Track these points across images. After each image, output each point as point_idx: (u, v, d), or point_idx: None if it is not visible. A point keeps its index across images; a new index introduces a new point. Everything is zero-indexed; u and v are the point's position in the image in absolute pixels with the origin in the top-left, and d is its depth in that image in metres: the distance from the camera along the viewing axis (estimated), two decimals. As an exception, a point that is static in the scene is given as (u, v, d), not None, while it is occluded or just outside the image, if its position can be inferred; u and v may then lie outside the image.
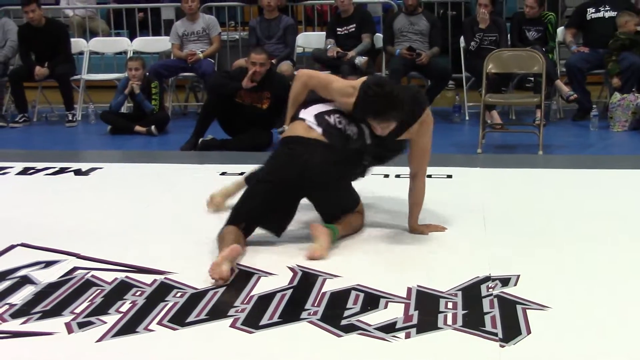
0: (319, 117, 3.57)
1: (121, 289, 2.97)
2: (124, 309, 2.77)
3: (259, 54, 6.20)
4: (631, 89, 6.96)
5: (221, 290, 2.94)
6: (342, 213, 3.63)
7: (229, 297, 2.87)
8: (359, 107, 3.46)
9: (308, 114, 3.61)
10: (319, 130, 3.52)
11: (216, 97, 6.27)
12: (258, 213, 3.50)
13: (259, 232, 3.66)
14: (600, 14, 7.59)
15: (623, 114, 6.81)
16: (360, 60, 7.52)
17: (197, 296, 2.88)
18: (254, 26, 7.97)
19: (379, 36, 7.96)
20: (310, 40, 8.36)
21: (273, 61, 7.09)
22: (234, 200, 3.84)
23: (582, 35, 7.79)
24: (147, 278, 3.08)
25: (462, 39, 7.75)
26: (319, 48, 7.99)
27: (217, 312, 2.73)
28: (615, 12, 7.44)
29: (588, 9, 7.68)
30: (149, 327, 2.62)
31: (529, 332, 2.53)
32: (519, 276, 3.02)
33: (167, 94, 8.08)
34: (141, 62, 7.24)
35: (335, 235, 3.46)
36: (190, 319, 2.68)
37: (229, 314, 2.72)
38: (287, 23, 7.92)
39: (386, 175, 4.77)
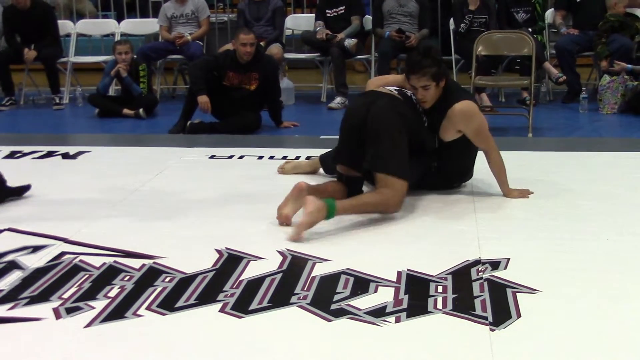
0: (397, 88, 3.85)
1: (110, 274, 2.95)
2: (112, 294, 2.76)
3: (247, 34, 6.18)
4: (621, 70, 6.94)
5: (210, 274, 2.93)
6: (376, 170, 3.59)
7: (219, 281, 2.86)
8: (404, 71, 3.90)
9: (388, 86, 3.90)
10: (395, 90, 3.80)
11: (200, 73, 6.23)
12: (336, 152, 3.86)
13: (248, 215, 3.66)
14: (589, -5, 7.57)
15: (612, 96, 6.81)
16: (350, 42, 7.49)
17: (186, 281, 2.87)
18: (242, 8, 7.92)
19: (368, 18, 7.93)
20: (299, 22, 8.31)
21: (262, 43, 7.05)
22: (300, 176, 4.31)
23: (571, 17, 7.78)
24: (136, 263, 3.06)
25: (451, 21, 7.72)
26: (308, 30, 7.95)
27: (207, 297, 2.72)
28: (605, -7, 7.42)
29: (578, -10, 7.65)
30: (138, 312, 2.60)
31: (519, 315, 2.53)
32: (509, 260, 3.02)
33: (155, 77, 8.04)
34: (129, 46, 7.19)
35: (330, 212, 3.39)
36: (179, 303, 2.67)
37: (218, 298, 2.70)
38: (276, 5, 7.87)
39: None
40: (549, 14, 7.79)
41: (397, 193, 3.58)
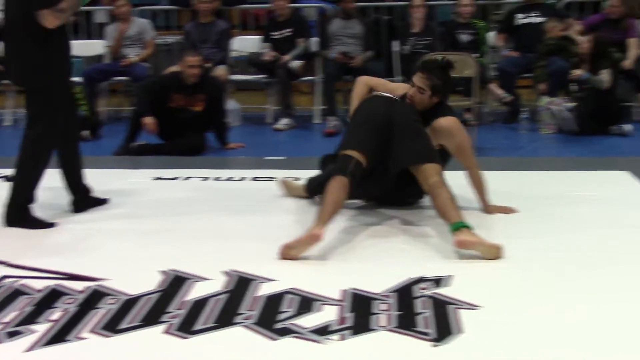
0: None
1: (52, 297, 2.92)
2: (54, 317, 2.73)
3: (193, 56, 6.20)
4: (558, 92, 7.13)
5: (155, 296, 2.92)
6: (422, 163, 3.62)
7: (163, 302, 2.85)
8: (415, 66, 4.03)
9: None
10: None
11: (145, 94, 6.21)
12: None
13: (193, 235, 3.65)
14: (529, 20, 7.77)
15: (551, 117, 6.97)
16: (296, 64, 7.54)
17: (130, 302, 2.85)
18: (188, 30, 7.91)
19: (314, 40, 8.00)
20: (245, 44, 8.33)
21: (208, 65, 7.06)
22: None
23: (512, 40, 7.96)
24: (79, 285, 3.03)
25: (396, 43, 7.84)
26: (255, 52, 7.98)
27: (151, 318, 2.71)
28: (544, 18, 7.63)
29: (517, 15, 7.85)
30: (81, 335, 2.58)
31: (460, 331, 2.57)
32: (451, 277, 3.07)
33: (100, 99, 7.97)
34: None
35: (471, 227, 3.38)
36: (123, 325, 2.65)
37: (162, 319, 2.69)
38: (222, 27, 7.89)
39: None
40: (491, 36, 7.96)
41: (443, 176, 3.65)
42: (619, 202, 4.28)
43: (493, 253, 3.30)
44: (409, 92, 3.93)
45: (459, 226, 3.36)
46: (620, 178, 4.84)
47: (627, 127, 6.83)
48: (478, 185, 4.08)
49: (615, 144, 6.58)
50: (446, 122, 3.92)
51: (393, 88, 4.18)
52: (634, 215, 4.02)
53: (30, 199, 3.95)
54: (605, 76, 6.72)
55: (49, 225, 3.92)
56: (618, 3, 7.50)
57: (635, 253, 3.41)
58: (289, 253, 3.32)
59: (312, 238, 3.33)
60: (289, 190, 4.46)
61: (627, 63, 7.27)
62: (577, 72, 6.90)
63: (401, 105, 3.85)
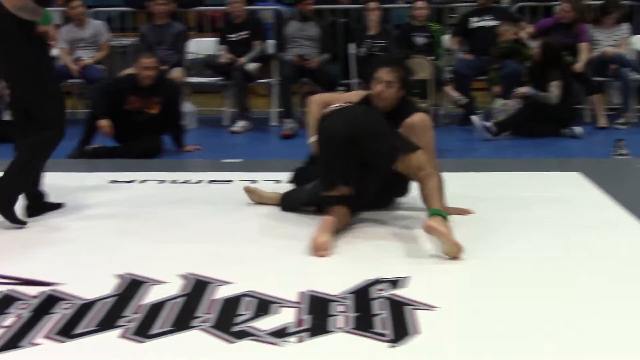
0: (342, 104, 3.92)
1: (5, 303, 2.86)
2: (7, 323, 2.68)
3: (148, 58, 6.16)
4: (511, 94, 7.24)
5: (111, 300, 2.89)
6: (402, 155, 3.61)
7: (119, 307, 2.82)
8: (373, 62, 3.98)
9: (332, 106, 3.91)
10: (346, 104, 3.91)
11: (100, 96, 6.15)
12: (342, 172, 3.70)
13: (149, 239, 3.63)
14: (483, 23, 7.87)
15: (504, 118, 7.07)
16: (252, 66, 7.54)
17: (85, 307, 2.82)
18: (144, 32, 7.86)
19: (270, 43, 7.99)
20: (201, 46, 8.30)
21: (164, 67, 7.02)
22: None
23: (466, 43, 8.05)
24: (33, 290, 2.98)
25: (352, 45, 7.87)
26: (211, 54, 7.95)
27: (107, 323, 2.68)
28: (497, 22, 7.73)
29: (471, 18, 7.95)
30: (34, 341, 2.53)
31: (418, 332, 2.59)
32: (408, 278, 3.09)
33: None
34: None
35: (445, 218, 3.42)
36: (78, 330, 2.62)
37: (118, 324, 2.67)
38: (178, 29, 7.86)
39: (278, 181, 4.79)
40: (446, 39, 8.04)
41: (430, 161, 3.67)
42: (571, 202, 4.35)
43: (453, 251, 3.32)
44: (375, 90, 3.91)
45: (434, 213, 3.41)
46: (572, 179, 4.92)
47: (578, 129, 6.96)
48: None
49: (568, 146, 6.70)
50: (420, 118, 3.93)
51: (347, 98, 4.14)
52: (586, 215, 4.09)
53: (17, 197, 3.98)
54: (554, 90, 6.84)
55: (22, 222, 3.94)
56: (569, 8, 7.64)
57: (588, 251, 3.47)
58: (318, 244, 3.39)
59: (326, 221, 3.49)
60: (259, 198, 4.33)
61: (578, 66, 7.41)
62: (522, 90, 7.01)
63: (360, 110, 3.84)
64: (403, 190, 4.13)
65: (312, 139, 3.98)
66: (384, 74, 3.90)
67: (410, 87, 4.05)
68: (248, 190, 4.36)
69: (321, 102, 4.07)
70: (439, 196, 3.52)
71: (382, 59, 4.03)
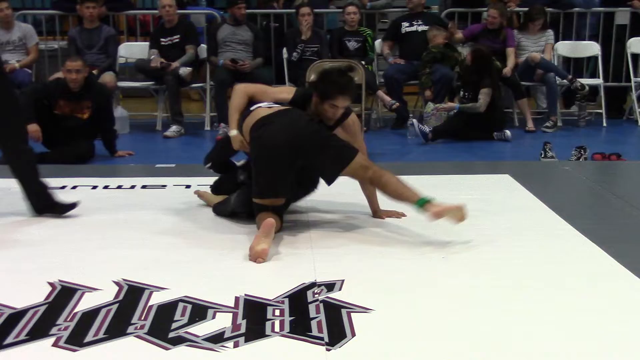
0: (271, 104, 3.87)
1: None
2: None
3: (74, 61, 6.07)
4: (443, 98, 7.38)
5: (42, 308, 2.84)
6: (345, 165, 3.68)
7: (51, 315, 2.77)
8: (323, 87, 3.81)
9: (261, 104, 3.86)
10: (277, 106, 3.84)
11: (29, 101, 6.02)
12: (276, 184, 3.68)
13: (81, 245, 3.58)
14: (413, 28, 7.99)
15: (437, 123, 7.19)
16: (185, 71, 7.49)
17: (15, 316, 2.76)
18: (73, 36, 7.73)
19: (203, 47, 7.96)
20: (132, 50, 8.21)
21: (94, 71, 6.92)
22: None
23: (398, 47, 8.16)
24: (-39, 300, 2.92)
25: (284, 50, 7.89)
26: (142, 58, 7.87)
27: (38, 332, 2.63)
28: (427, 27, 7.86)
29: (402, 23, 8.06)
30: (-36, 352, 2.48)
31: (353, 334, 2.62)
32: (343, 281, 3.11)
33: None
34: None
35: (427, 199, 3.59)
36: (9, 340, 2.56)
37: (51, 332, 2.62)
38: (109, 33, 7.76)
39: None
40: (378, 44, 8.13)
41: (372, 162, 3.79)
42: (500, 204, 4.45)
43: (460, 215, 3.57)
44: (327, 113, 3.80)
45: (424, 201, 3.58)
46: (502, 181, 5.03)
47: (508, 133, 7.13)
48: (370, 189, 4.06)
49: (497, 149, 6.85)
50: (353, 119, 4.01)
51: (275, 92, 4.07)
52: (515, 216, 4.19)
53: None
54: (483, 97, 6.97)
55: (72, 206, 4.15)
56: (497, 14, 7.81)
57: (516, 252, 3.54)
58: (258, 250, 3.39)
59: (267, 225, 3.45)
60: (208, 201, 4.33)
61: (507, 70, 7.58)
62: (446, 106, 7.14)
63: (300, 120, 3.75)
64: (314, 186, 4.13)
65: (233, 132, 3.91)
66: (342, 102, 3.79)
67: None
68: (198, 194, 4.41)
69: (246, 93, 3.98)
70: (407, 187, 3.68)
71: (338, 87, 3.80)
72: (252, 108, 3.87)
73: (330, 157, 3.69)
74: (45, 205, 4.14)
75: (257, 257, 3.38)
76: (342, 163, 3.68)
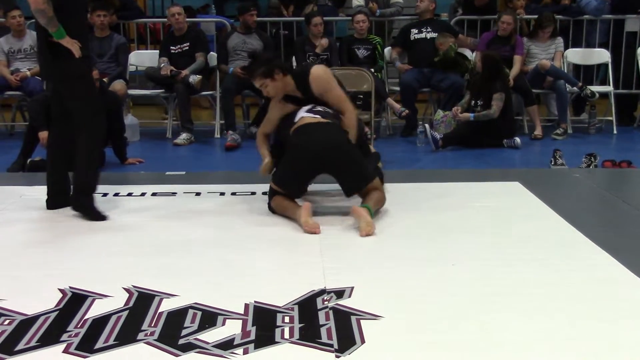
0: (315, 115, 4.30)
1: (-57, 320, 2.81)
2: (-54, 340, 2.63)
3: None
4: (453, 106, 7.36)
5: (53, 315, 2.85)
6: (364, 187, 4.18)
7: (62, 321, 2.79)
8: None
9: (304, 114, 4.29)
10: (319, 117, 4.28)
11: (40, 108, 6.05)
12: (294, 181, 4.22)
13: (92, 252, 3.59)
14: (422, 35, 7.99)
15: (446, 130, 7.18)
16: (194, 78, 7.51)
17: (27, 322, 2.78)
18: (84, 44, 7.75)
19: (212, 55, 7.98)
20: (143, 58, 8.25)
21: (105, 79, 6.95)
22: None
23: (406, 54, 8.17)
24: (-28, 306, 2.93)
25: (294, 58, 7.91)
26: (152, 66, 7.90)
27: (49, 338, 2.65)
28: (436, 34, 7.86)
29: (412, 30, 8.07)
30: (-25, 358, 2.49)
31: (363, 341, 2.62)
32: (353, 288, 3.12)
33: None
34: None
35: (371, 213, 3.98)
36: (20, 346, 2.58)
37: (62, 339, 2.63)
38: (119, 41, 7.79)
39: (222, 193, 4.79)
40: (387, 51, 8.13)
41: (382, 189, 4.30)
42: (510, 211, 4.44)
43: (367, 229, 3.85)
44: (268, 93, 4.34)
45: (364, 206, 4.04)
46: (512, 189, 5.02)
47: (518, 140, 7.11)
48: (348, 125, 4.34)
49: (507, 156, 6.84)
50: (317, 70, 4.39)
51: (272, 117, 4.50)
52: (525, 224, 4.18)
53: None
54: (494, 106, 6.97)
55: (103, 217, 4.25)
56: (511, 20, 7.80)
57: (527, 259, 3.53)
58: (313, 223, 3.92)
59: (307, 207, 4.00)
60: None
61: (511, 78, 7.56)
62: (463, 116, 7.13)
63: (334, 139, 4.16)
64: None
65: (266, 160, 4.44)
66: (257, 84, 4.30)
67: (280, 66, 4.33)
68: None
69: (262, 134, 4.56)
70: (375, 202, 4.14)
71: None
72: (296, 119, 4.28)
73: (352, 175, 4.17)
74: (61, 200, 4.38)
75: (314, 228, 3.88)
76: (360, 185, 4.18)
